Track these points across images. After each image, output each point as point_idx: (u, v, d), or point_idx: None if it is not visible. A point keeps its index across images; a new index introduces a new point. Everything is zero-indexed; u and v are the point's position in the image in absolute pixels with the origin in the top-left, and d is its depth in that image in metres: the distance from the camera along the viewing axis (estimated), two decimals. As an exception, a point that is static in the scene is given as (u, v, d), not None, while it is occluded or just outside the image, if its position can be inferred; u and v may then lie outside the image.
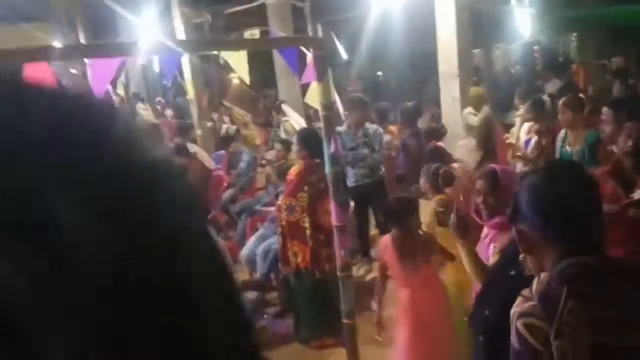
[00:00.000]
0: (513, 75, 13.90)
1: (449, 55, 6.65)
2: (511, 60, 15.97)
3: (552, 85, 9.88)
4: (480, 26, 8.51)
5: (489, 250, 2.42)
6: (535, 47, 15.49)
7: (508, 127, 6.48)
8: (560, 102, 4.67)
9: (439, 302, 3.11)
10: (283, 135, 8.56)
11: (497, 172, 2.50)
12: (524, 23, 10.17)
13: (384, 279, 3.34)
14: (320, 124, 3.13)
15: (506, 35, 13.65)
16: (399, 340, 3.15)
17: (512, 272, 1.99)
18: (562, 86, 9.30)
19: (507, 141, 5.14)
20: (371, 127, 5.31)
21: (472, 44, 7.30)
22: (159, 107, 13.30)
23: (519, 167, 4.88)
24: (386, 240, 3.24)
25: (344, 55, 8.68)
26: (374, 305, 3.39)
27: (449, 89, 6.65)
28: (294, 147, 4.25)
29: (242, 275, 5.24)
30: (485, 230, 2.55)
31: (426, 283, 3.10)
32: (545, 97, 6.46)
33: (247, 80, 4.02)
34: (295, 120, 8.95)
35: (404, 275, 3.14)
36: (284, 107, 9.51)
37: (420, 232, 3.25)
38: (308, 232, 3.99)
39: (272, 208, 4.82)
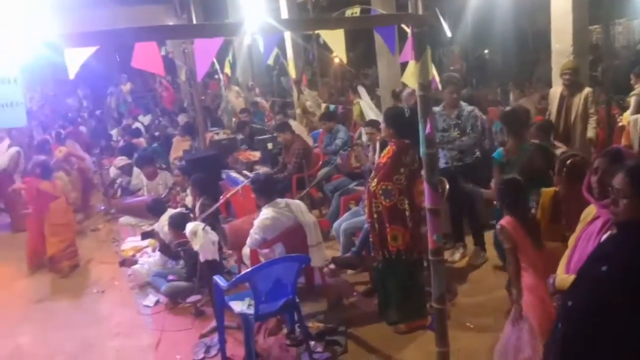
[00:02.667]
0: (637, 54, 12.67)
1: (564, 32, 6.18)
2: (634, 37, 14.53)
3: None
4: (599, 0, 7.80)
5: (600, 236, 2.24)
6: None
7: (625, 109, 5.97)
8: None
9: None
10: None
11: (622, 151, 2.32)
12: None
13: (518, 263, 3.10)
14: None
15: (629, 9, 12.45)
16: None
17: (604, 268, 1.89)
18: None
19: (620, 124, 4.74)
20: (467, 108, 5.07)
21: (589, 20, 6.73)
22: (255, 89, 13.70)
23: None
24: (510, 222, 3.10)
25: (448, 33, 8.36)
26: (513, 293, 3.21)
27: (562, 69, 6.18)
28: (382, 126, 4.18)
29: (332, 252, 5.32)
30: (595, 210, 2.36)
31: (548, 264, 2.92)
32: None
33: (344, 59, 4.01)
34: (367, 103, 8.93)
35: (533, 255, 3.01)
36: (360, 89, 9.50)
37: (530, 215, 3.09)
38: (407, 214, 3.93)
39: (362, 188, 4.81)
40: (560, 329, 2.04)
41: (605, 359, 1.85)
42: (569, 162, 3.25)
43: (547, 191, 3.30)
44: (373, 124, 5.83)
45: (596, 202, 2.33)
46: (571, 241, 2.45)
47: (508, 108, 4.93)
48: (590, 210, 2.41)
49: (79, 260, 6.25)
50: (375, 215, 4.02)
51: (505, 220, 3.09)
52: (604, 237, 2.23)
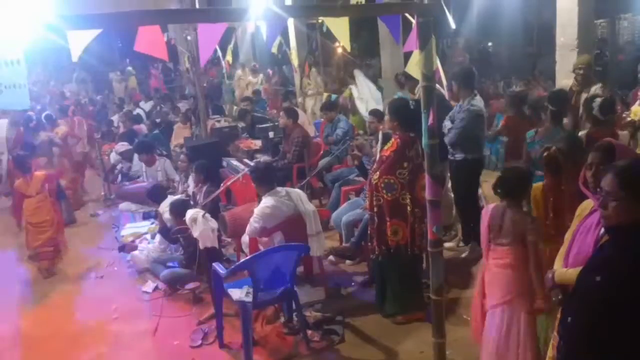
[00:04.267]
0: (642, 49, 12.62)
1: (569, 25, 6.15)
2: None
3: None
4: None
5: (599, 229, 2.23)
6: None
7: (628, 105, 5.95)
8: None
9: (514, 284, 2.94)
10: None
11: (614, 145, 2.31)
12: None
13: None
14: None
15: (635, 4, 12.37)
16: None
17: (597, 279, 1.87)
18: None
19: (628, 119, 4.72)
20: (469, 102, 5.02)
21: (595, 14, 6.69)
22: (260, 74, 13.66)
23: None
24: (488, 209, 3.08)
25: (452, 24, 8.31)
26: None
27: (566, 63, 6.14)
28: (385, 118, 4.14)
29: (331, 242, 5.33)
30: (592, 204, 2.36)
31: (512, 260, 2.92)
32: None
33: (348, 47, 3.99)
34: (363, 87, 8.94)
35: (490, 247, 3.00)
36: (356, 72, 9.43)
37: (524, 208, 3.06)
38: (409, 208, 3.90)
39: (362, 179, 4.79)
40: (563, 347, 2.03)
41: None
42: (544, 154, 3.23)
43: (536, 185, 3.31)
44: (375, 113, 5.80)
45: (593, 195, 2.32)
46: (568, 235, 2.44)
47: (556, 88, 4.83)
48: (587, 205, 2.41)
49: (58, 261, 5.87)
50: (375, 209, 3.99)
51: (491, 207, 3.08)
52: (602, 230, 2.22)
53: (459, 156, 4.81)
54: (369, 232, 4.16)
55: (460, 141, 4.72)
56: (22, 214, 5.95)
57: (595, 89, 5.31)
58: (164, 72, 18.89)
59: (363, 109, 8.77)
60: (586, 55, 5.76)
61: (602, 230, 2.21)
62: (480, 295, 3.09)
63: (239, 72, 13.31)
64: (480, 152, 4.92)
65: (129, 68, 18.43)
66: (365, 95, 9.00)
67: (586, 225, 2.31)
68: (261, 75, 13.47)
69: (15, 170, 6.27)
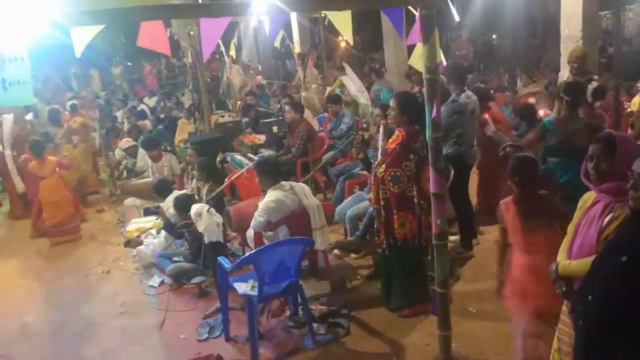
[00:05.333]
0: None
1: (573, 17, 6.13)
2: (646, 24, 14.36)
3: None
4: (611, -15, 7.70)
5: (602, 220, 2.23)
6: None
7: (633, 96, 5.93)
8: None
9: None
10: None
11: (614, 137, 2.29)
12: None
13: (505, 244, 3.12)
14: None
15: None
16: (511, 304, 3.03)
17: (623, 259, 1.88)
18: None
19: (628, 110, 4.73)
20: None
21: (600, 6, 6.65)
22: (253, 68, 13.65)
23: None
24: (508, 201, 3.07)
25: (456, 16, 8.27)
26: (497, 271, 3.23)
27: (571, 55, 6.13)
28: (391, 112, 4.12)
29: (336, 235, 5.33)
30: (594, 196, 2.36)
31: (547, 247, 2.90)
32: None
33: (351, 41, 3.98)
34: (352, 81, 9.01)
35: (524, 238, 2.96)
36: (345, 65, 9.53)
37: (542, 192, 3.04)
38: (416, 200, 3.90)
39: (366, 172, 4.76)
40: (581, 325, 2.04)
41: (630, 349, 1.85)
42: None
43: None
44: (382, 107, 5.77)
45: (595, 187, 2.32)
46: (571, 227, 2.44)
47: (570, 80, 4.82)
48: (588, 197, 2.41)
49: (80, 236, 6.56)
50: (382, 202, 3.98)
51: (506, 199, 3.07)
52: (607, 219, 2.22)
53: (449, 150, 4.73)
54: (375, 225, 4.16)
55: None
56: (37, 195, 6.54)
57: (591, 90, 5.26)
58: (168, 67, 18.89)
59: (362, 98, 8.83)
60: (579, 48, 5.75)
61: (606, 220, 2.22)
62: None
63: (237, 66, 13.23)
64: (460, 147, 4.76)
65: (116, 58, 18.58)
66: (357, 86, 9.11)
67: (589, 216, 2.31)
68: (251, 72, 13.43)
69: (29, 154, 6.77)
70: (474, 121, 4.86)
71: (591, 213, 2.30)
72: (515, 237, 2.99)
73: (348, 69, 9.34)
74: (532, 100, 6.75)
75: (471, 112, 4.77)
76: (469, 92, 4.82)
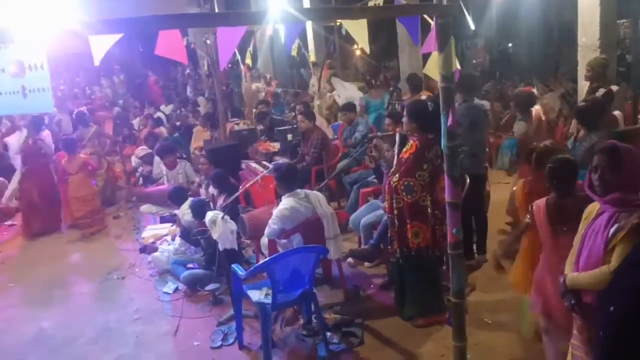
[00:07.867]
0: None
1: (591, 25, 6.06)
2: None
3: None
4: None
5: (608, 230, 2.21)
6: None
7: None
8: None
9: None
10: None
11: (619, 148, 2.26)
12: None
13: (525, 232, 3.16)
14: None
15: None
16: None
17: None
18: None
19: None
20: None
21: (617, 14, 6.58)
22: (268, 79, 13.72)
23: None
24: (541, 203, 3.02)
25: (471, 25, 8.25)
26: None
27: (588, 64, 6.07)
28: (404, 120, 4.11)
29: (350, 244, 5.31)
30: (598, 207, 2.33)
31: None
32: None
33: (367, 49, 3.98)
34: (342, 90, 9.18)
35: (551, 241, 2.91)
36: (334, 80, 9.83)
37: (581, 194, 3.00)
38: (429, 210, 3.88)
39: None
40: (602, 336, 2.04)
41: None
42: (536, 151, 3.35)
43: (519, 183, 3.41)
44: (392, 115, 5.76)
45: (599, 198, 2.29)
46: (577, 239, 2.41)
47: (582, 104, 4.78)
48: (592, 208, 2.38)
49: (105, 226, 7.25)
50: (395, 211, 3.97)
51: (539, 201, 3.03)
52: (612, 230, 2.20)
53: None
54: (388, 234, 4.14)
55: None
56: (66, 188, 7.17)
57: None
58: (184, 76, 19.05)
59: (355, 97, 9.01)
60: (596, 58, 5.75)
61: (611, 231, 2.20)
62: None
63: (258, 84, 13.32)
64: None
65: (117, 66, 18.73)
66: (347, 92, 9.27)
67: (594, 228, 2.29)
68: (262, 81, 13.49)
69: (62, 149, 7.36)
70: (475, 131, 4.79)
71: (596, 224, 2.28)
72: (543, 238, 2.96)
73: (337, 83, 9.60)
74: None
75: (470, 123, 4.71)
76: (472, 102, 4.80)
